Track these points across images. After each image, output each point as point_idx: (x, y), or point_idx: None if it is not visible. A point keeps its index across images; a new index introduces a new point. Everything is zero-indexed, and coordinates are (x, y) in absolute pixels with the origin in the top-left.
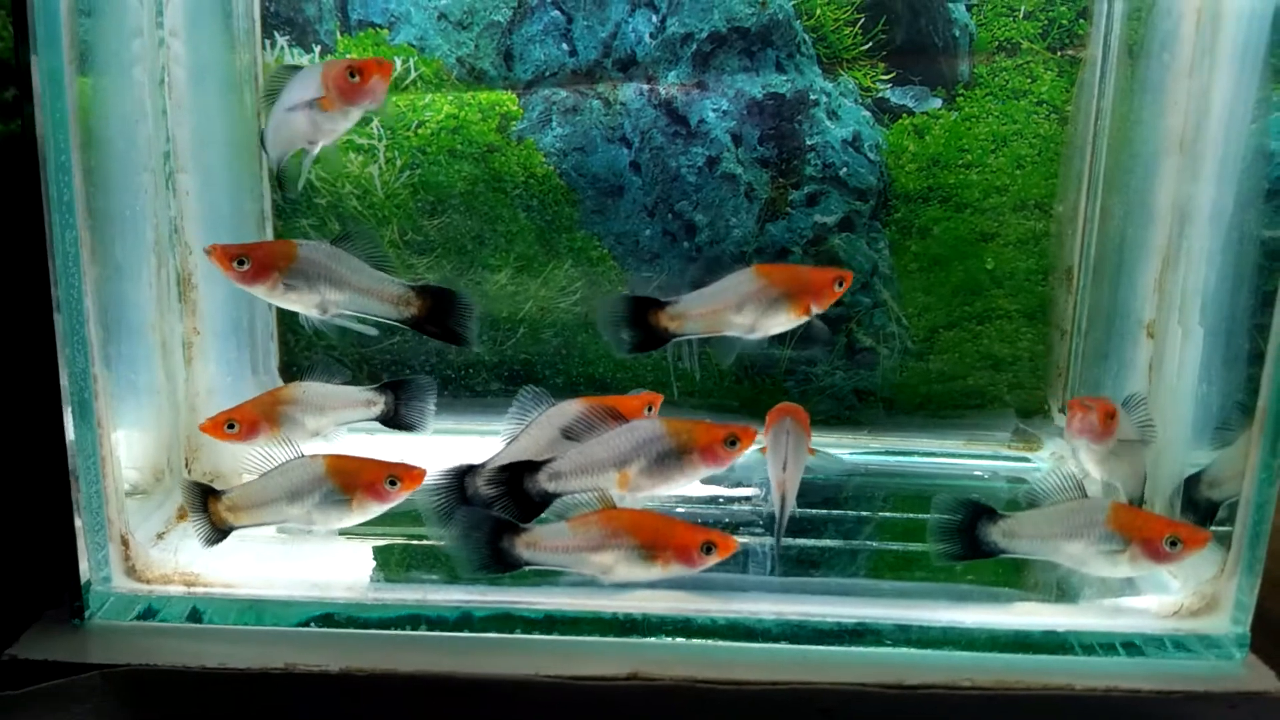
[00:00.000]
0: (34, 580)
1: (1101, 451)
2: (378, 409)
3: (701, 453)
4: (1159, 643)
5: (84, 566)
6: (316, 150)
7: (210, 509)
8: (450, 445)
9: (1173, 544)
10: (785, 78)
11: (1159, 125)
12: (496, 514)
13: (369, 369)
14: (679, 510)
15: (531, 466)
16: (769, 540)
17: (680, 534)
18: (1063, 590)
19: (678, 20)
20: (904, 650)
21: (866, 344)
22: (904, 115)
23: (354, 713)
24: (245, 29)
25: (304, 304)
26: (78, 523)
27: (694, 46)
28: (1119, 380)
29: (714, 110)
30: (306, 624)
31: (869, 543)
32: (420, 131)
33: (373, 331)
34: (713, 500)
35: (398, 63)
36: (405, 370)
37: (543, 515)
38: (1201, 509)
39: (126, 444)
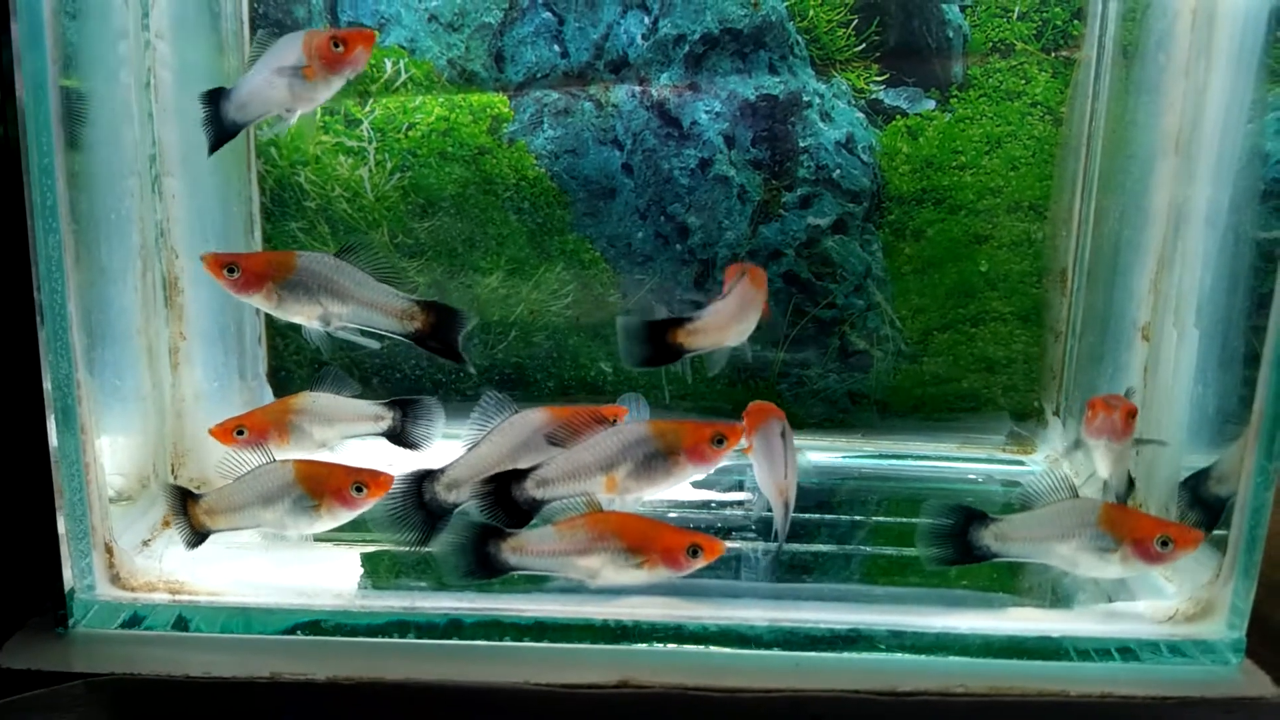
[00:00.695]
0: (17, 588)
1: (1118, 451)
2: (385, 424)
3: (688, 453)
4: (1154, 648)
5: (68, 574)
6: (294, 119)
7: (190, 512)
8: (442, 450)
9: (1164, 544)
10: (778, 79)
11: (1154, 126)
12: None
13: (359, 373)
14: (671, 515)
15: (518, 474)
16: (761, 545)
17: (666, 537)
18: (1057, 595)
19: (670, 22)
20: (897, 656)
21: (860, 346)
22: (897, 117)
23: None
24: (233, 31)
25: (305, 315)
26: (61, 530)
27: (686, 48)
28: (1114, 383)
29: (706, 112)
30: (293, 631)
31: (862, 547)
32: (411, 134)
33: (375, 345)
34: (705, 505)
35: (388, 65)
36: (395, 374)
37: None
38: (1210, 505)
39: (111, 450)
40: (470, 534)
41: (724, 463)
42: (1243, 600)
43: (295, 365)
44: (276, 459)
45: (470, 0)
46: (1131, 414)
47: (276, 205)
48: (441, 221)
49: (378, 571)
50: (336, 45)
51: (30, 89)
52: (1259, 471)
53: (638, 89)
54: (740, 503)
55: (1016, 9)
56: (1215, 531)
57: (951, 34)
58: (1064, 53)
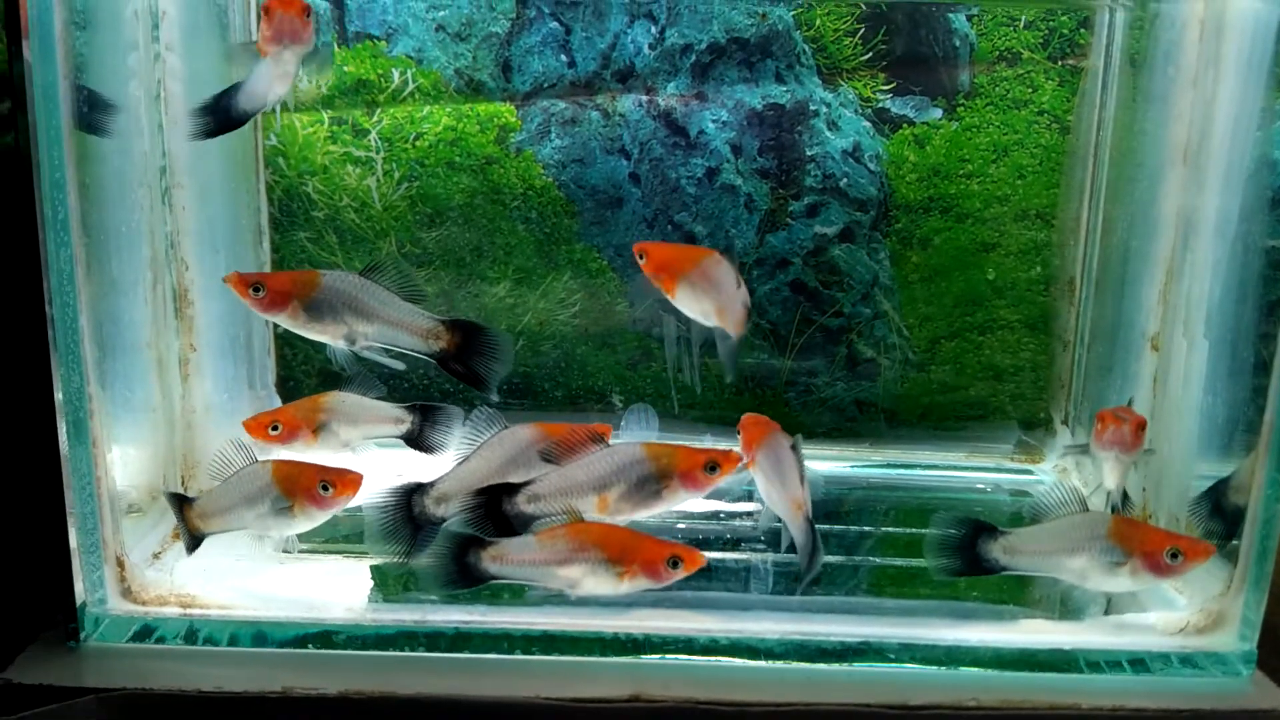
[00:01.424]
0: (29, 602)
1: (1127, 463)
2: (405, 427)
3: (681, 478)
4: (1165, 660)
5: (79, 588)
6: (273, 100)
7: (185, 516)
8: (450, 459)
9: (1174, 557)
10: (785, 88)
11: (1163, 135)
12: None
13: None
14: (680, 526)
15: (510, 488)
16: (771, 556)
17: (646, 548)
18: (1068, 607)
19: (677, 31)
20: (909, 669)
21: (867, 355)
22: (904, 125)
23: None
24: (243, 43)
25: (330, 334)
26: (72, 543)
27: (693, 57)
28: (1123, 392)
29: (713, 121)
30: (304, 644)
31: (871, 558)
32: (418, 143)
33: (400, 365)
34: (714, 516)
35: (395, 75)
36: (403, 383)
37: None
38: (1229, 515)
39: (122, 462)
40: (450, 543)
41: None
42: (1254, 612)
43: (304, 375)
44: (259, 460)
45: (477, 10)
46: (1141, 426)
47: (284, 215)
48: (449, 231)
49: (388, 584)
50: (266, 14)
51: (41, 101)
52: (1270, 483)
53: (645, 98)
54: (749, 514)
55: (1023, 18)
56: (1234, 541)
57: (958, 43)
58: (1071, 61)
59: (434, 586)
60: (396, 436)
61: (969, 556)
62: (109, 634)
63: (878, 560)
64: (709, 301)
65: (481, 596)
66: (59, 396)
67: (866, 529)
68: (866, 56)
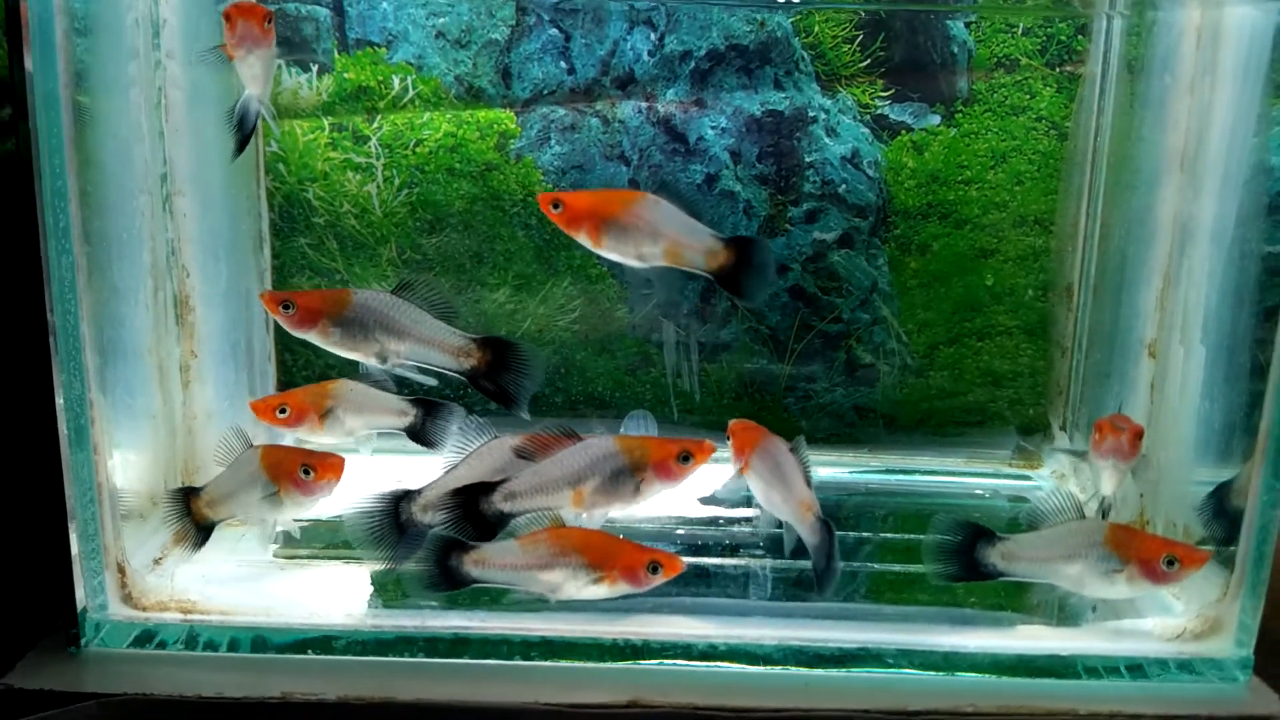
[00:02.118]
0: (30, 607)
1: (1124, 472)
2: (407, 420)
3: (655, 469)
4: (1163, 665)
5: (80, 593)
6: (250, 101)
7: (193, 508)
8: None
9: (1170, 564)
10: (784, 95)
11: (1160, 142)
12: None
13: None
14: (679, 532)
15: (486, 488)
16: (771, 562)
17: (627, 553)
18: (1066, 613)
19: (676, 38)
20: (907, 674)
21: (866, 361)
22: (903, 132)
23: None
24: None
25: (361, 352)
26: (74, 549)
27: (692, 64)
28: (1120, 398)
29: (712, 128)
30: (303, 649)
31: (869, 564)
32: (418, 150)
33: (432, 381)
34: (712, 521)
35: (395, 81)
36: (404, 389)
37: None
38: (1232, 518)
39: (123, 469)
40: (433, 547)
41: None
42: (1250, 618)
43: (305, 381)
44: (254, 444)
45: (477, 17)
46: (1138, 435)
47: (285, 221)
48: (449, 237)
49: (387, 589)
50: (226, 19)
51: (43, 109)
52: (1266, 489)
53: (644, 105)
54: (748, 519)
55: (1021, 25)
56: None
57: (956, 49)
58: (1069, 68)
59: (417, 589)
60: (399, 430)
61: (966, 562)
62: (110, 639)
63: (876, 566)
64: (650, 245)
65: (480, 602)
66: (60, 402)
67: (865, 534)
68: (865, 63)
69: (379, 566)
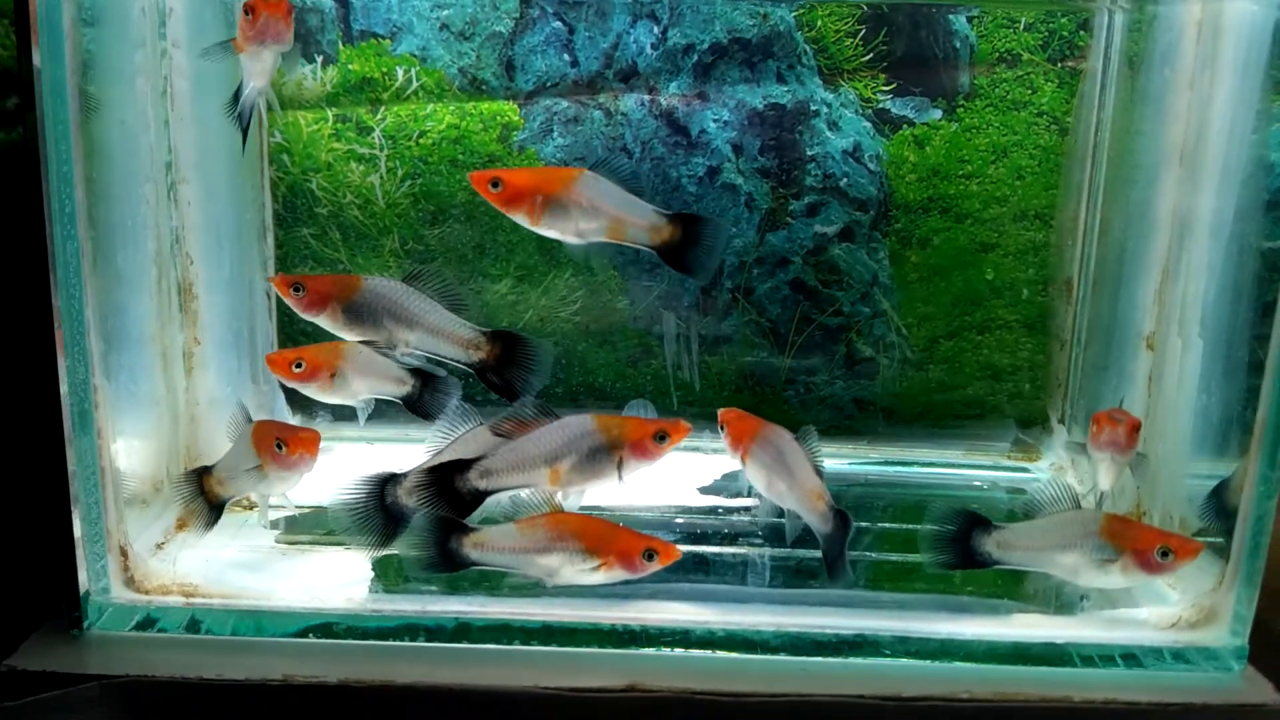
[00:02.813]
0: (33, 590)
1: (1122, 465)
2: (405, 390)
3: (632, 448)
4: (1158, 654)
5: (83, 577)
6: (249, 93)
7: (206, 486)
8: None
9: (1164, 554)
10: (786, 88)
11: (1160, 137)
12: (444, 514)
13: None
14: (678, 520)
15: (462, 465)
16: (768, 550)
17: (623, 539)
18: (1061, 601)
19: (679, 31)
20: (903, 662)
21: (867, 354)
22: (904, 126)
23: None
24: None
25: (369, 338)
26: (77, 533)
27: (695, 57)
28: (1119, 392)
29: (715, 121)
30: (305, 634)
31: (868, 554)
32: (422, 141)
33: (441, 373)
34: (712, 511)
35: (399, 73)
36: None
37: (488, 516)
38: (1231, 513)
39: (126, 454)
40: (433, 528)
41: None
42: (1245, 607)
43: None
44: (253, 420)
45: (481, 9)
46: (1136, 428)
47: (289, 211)
48: (452, 228)
49: (388, 575)
50: (247, 14)
51: (50, 97)
52: (1262, 480)
53: (647, 98)
54: (747, 509)
55: (1023, 20)
56: None
57: (958, 44)
58: (1070, 63)
59: (416, 571)
60: (397, 398)
61: (963, 550)
62: (112, 622)
63: (874, 555)
64: (590, 222)
65: (480, 587)
66: (64, 388)
67: (864, 524)
68: (867, 57)
69: (365, 550)
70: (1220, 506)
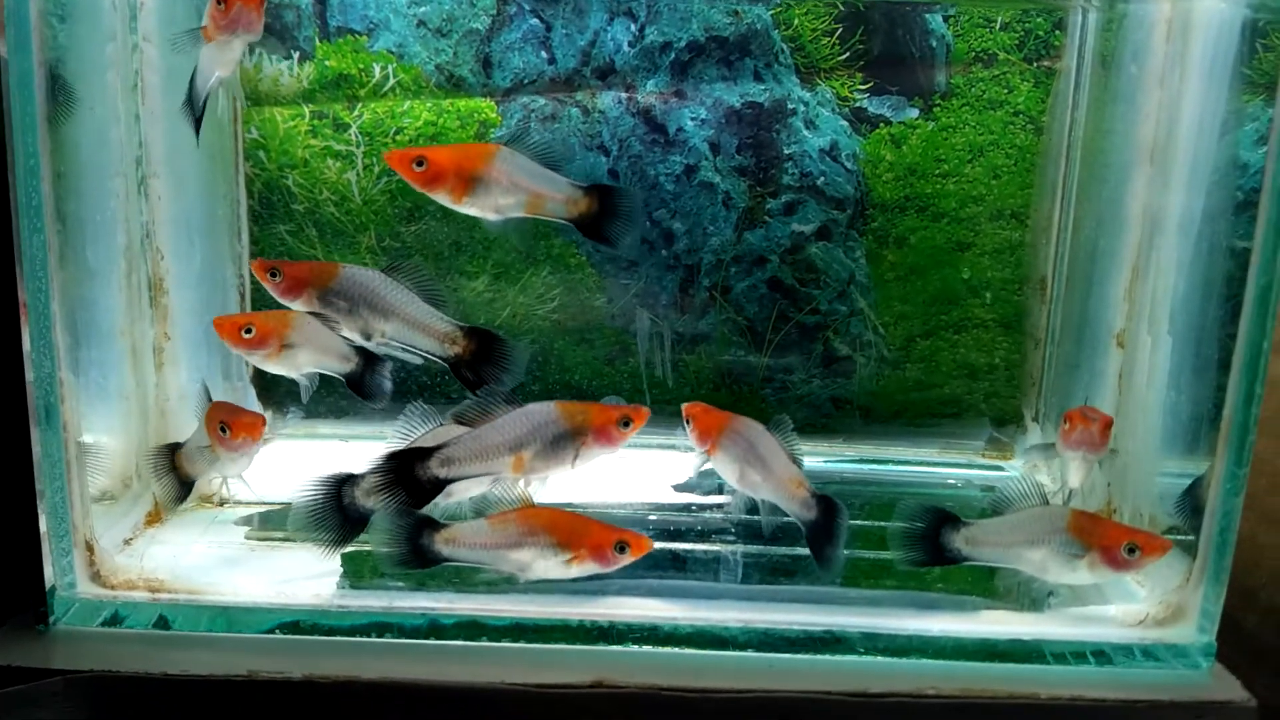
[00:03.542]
0: None
1: (1092, 463)
2: (349, 367)
3: (595, 434)
4: (1126, 651)
5: (49, 572)
6: (213, 82)
7: (176, 463)
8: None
9: (1131, 551)
10: (763, 87)
11: (1130, 135)
12: (412, 510)
13: None
14: (651, 518)
15: (423, 453)
16: (740, 547)
17: (595, 533)
18: (1031, 598)
19: (656, 29)
20: (871, 659)
21: (843, 352)
22: (881, 125)
23: None
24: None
25: (345, 326)
26: (42, 528)
27: (672, 55)
28: (1089, 389)
29: (692, 119)
30: (272, 631)
31: (843, 551)
32: (399, 138)
33: (418, 360)
34: (686, 508)
35: (376, 69)
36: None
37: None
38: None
39: (94, 449)
40: (404, 525)
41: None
42: (1213, 605)
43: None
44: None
45: (459, 6)
46: (1108, 426)
47: (264, 208)
48: (428, 225)
49: (358, 572)
50: (220, 4)
51: (17, 90)
52: (1229, 477)
53: (624, 95)
54: (719, 506)
55: (999, 19)
56: None
57: (935, 43)
58: (1045, 63)
59: (386, 566)
60: (339, 375)
61: (931, 547)
62: (78, 618)
63: (848, 552)
64: (509, 197)
65: (449, 583)
66: (30, 382)
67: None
68: (844, 56)
69: (321, 550)
70: (1195, 504)
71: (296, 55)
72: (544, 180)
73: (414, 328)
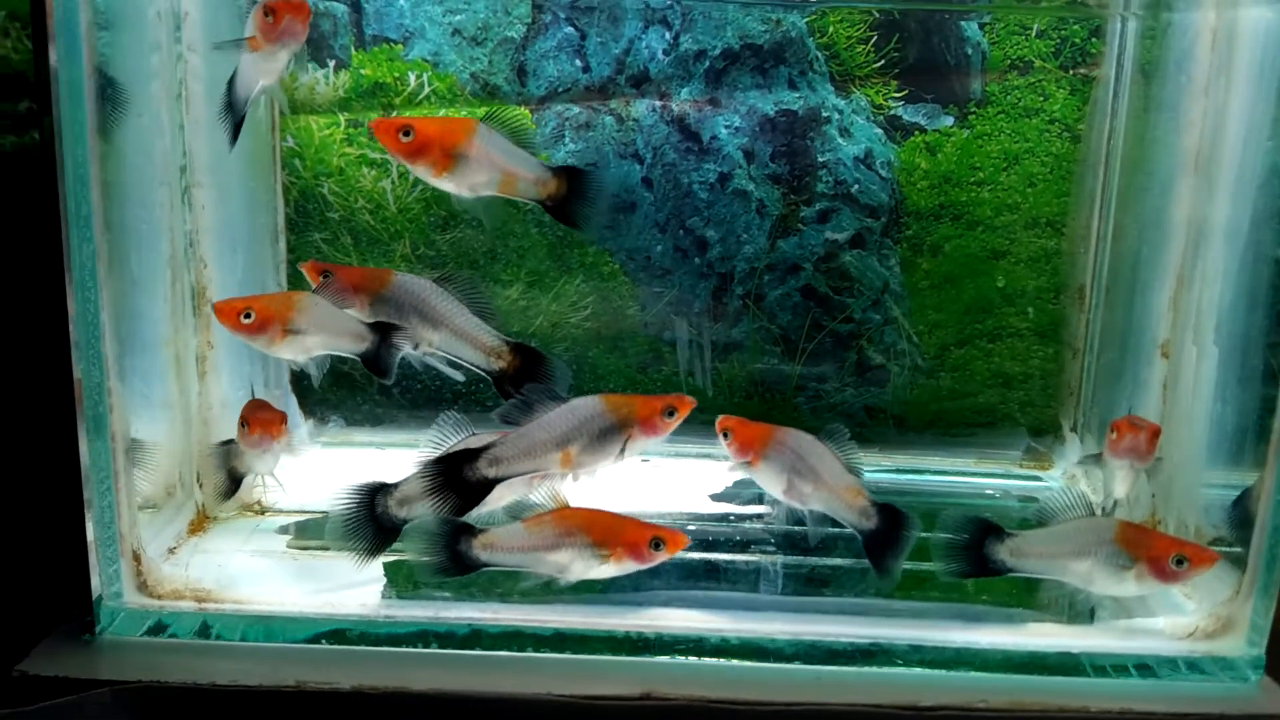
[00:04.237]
0: (45, 595)
1: (1139, 473)
2: (364, 346)
3: (641, 425)
4: (1173, 664)
5: (95, 581)
6: (257, 90)
7: (230, 459)
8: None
9: (1179, 562)
10: (797, 95)
11: (1174, 144)
12: (449, 517)
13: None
14: (690, 527)
15: (470, 454)
16: (781, 558)
17: (630, 530)
18: (1077, 611)
19: (691, 37)
20: (918, 671)
21: (877, 361)
22: (916, 133)
23: None
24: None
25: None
26: (90, 537)
27: (707, 63)
28: (1133, 399)
29: (726, 127)
30: (317, 640)
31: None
32: None
33: (460, 376)
34: (724, 518)
35: (411, 78)
36: (415, 383)
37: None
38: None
39: (139, 458)
40: (442, 532)
41: None
42: (1262, 617)
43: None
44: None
45: (493, 15)
46: (1155, 435)
47: (300, 216)
48: (463, 233)
49: (401, 581)
50: (267, 15)
51: (66, 101)
52: (1279, 489)
53: (658, 103)
54: (760, 516)
55: (1035, 26)
56: None
57: (970, 51)
58: (1082, 70)
59: (425, 575)
60: (353, 354)
61: (976, 558)
62: (124, 628)
63: None
64: (485, 175)
65: (493, 594)
66: (79, 391)
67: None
68: (879, 64)
69: (355, 560)
70: (1244, 515)
71: (333, 64)
72: (517, 160)
73: (462, 339)
